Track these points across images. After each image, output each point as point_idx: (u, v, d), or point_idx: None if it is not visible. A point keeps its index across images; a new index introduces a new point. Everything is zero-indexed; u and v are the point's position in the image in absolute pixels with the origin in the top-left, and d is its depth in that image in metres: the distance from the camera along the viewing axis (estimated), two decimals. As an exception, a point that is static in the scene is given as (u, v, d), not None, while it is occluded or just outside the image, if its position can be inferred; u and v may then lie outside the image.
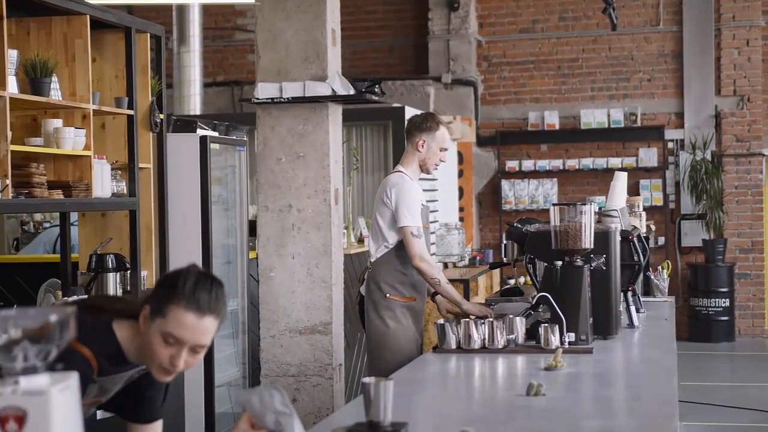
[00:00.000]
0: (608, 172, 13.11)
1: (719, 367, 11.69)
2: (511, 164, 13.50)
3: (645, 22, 13.39)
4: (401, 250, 5.39)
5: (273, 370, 6.00)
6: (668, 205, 13.23)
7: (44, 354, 1.82)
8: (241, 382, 7.22)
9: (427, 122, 5.56)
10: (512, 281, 12.76)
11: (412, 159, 5.56)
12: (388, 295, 5.43)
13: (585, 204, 4.59)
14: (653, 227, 11.09)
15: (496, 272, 11.69)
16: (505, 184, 13.48)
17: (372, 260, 5.54)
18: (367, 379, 2.80)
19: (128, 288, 5.86)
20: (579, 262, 4.57)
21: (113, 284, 5.66)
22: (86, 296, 5.09)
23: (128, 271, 5.83)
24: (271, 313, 5.99)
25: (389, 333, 5.39)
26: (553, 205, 4.62)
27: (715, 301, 12.78)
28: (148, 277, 6.13)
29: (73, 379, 1.84)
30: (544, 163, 13.41)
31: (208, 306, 2.68)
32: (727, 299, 12.81)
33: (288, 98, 6.08)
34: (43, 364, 1.82)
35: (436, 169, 5.67)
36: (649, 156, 13.19)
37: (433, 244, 10.39)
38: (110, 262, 5.65)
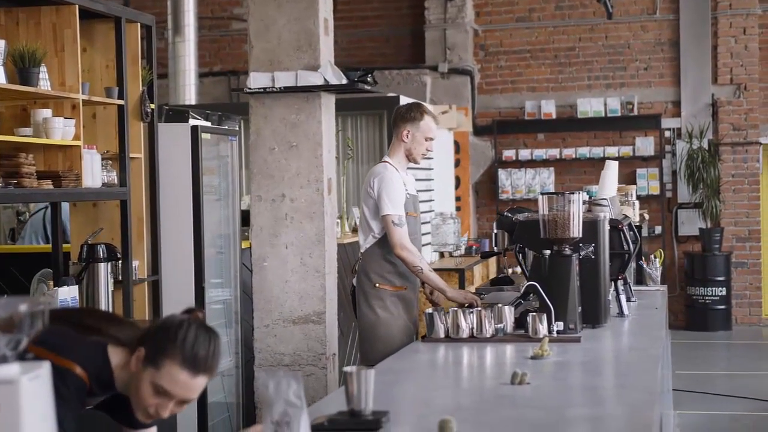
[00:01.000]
0: (605, 162, 13.07)
1: (716, 356, 11.71)
2: (508, 153, 13.50)
3: (642, 10, 13.37)
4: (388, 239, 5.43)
5: (266, 359, 6.00)
6: (665, 194, 13.22)
7: (14, 343, 1.82)
8: (234, 372, 7.22)
9: (411, 112, 5.57)
10: (509, 270, 12.79)
11: (398, 149, 5.59)
12: (377, 284, 5.47)
13: (573, 193, 4.59)
14: (647, 216, 11.07)
15: (493, 262, 11.69)
16: (502, 174, 13.48)
17: (361, 251, 5.58)
18: (348, 369, 2.82)
19: (120, 278, 5.86)
20: (567, 251, 4.58)
21: (104, 274, 5.66)
22: (81, 308, 5.01)
23: (119, 261, 5.83)
24: (264, 303, 5.99)
25: (379, 322, 5.42)
26: (542, 194, 4.63)
27: (712, 290, 12.79)
28: (140, 267, 6.14)
29: (44, 368, 1.84)
30: (540, 153, 13.41)
31: (204, 365, 2.69)
32: (724, 288, 12.81)
33: (280, 88, 6.08)
34: (13, 353, 1.82)
35: (424, 158, 5.69)
36: (645, 145, 13.18)
37: (428, 233, 10.40)
38: (101, 252, 5.65)
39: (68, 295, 5.13)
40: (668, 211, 13.27)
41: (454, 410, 2.96)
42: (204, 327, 2.75)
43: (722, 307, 12.84)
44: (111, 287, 5.74)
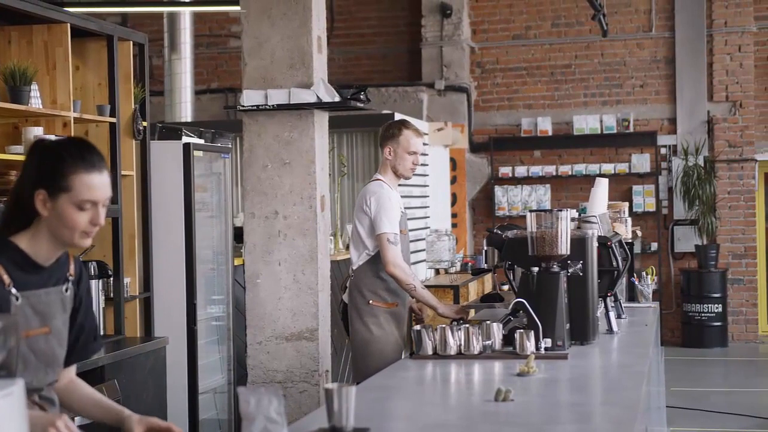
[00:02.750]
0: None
1: (712, 373, 11.70)
2: (504, 170, 13.52)
3: (637, 28, 13.41)
4: None
5: (259, 376, 6.01)
6: (661, 211, 13.24)
7: (-13, 361, 1.83)
8: (226, 389, 7.23)
9: (389, 129, 5.71)
10: (506, 287, 12.78)
11: (386, 167, 5.70)
12: (371, 301, 5.52)
13: (561, 210, 4.60)
14: (639, 233, 11.10)
15: (488, 278, 11.70)
16: (498, 191, 13.50)
17: (353, 267, 5.63)
18: (329, 386, 2.83)
19: (111, 295, 5.87)
20: (555, 268, 4.59)
21: (96, 291, 5.67)
22: None
23: (111, 278, 5.84)
24: (257, 320, 6.00)
25: (373, 339, 5.45)
26: (530, 211, 4.64)
27: (708, 307, 12.79)
28: (131, 284, 6.15)
29: (17, 385, 1.86)
30: (537, 169, 13.43)
31: (101, 163, 2.82)
32: (720, 305, 12.82)
33: (273, 105, 6.10)
34: (-15, 370, 1.83)
35: (413, 171, 5.73)
36: (641, 162, 13.20)
37: (422, 250, 10.41)
38: (93, 269, 5.66)
39: None
40: (664, 227, 13.28)
41: (437, 427, 2.97)
42: (71, 138, 2.90)
43: (718, 323, 12.84)
44: (102, 304, 5.75)
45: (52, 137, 2.94)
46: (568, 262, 4.66)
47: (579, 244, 4.73)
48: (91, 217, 2.79)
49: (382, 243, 5.44)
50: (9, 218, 2.85)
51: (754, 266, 13.22)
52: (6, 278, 2.76)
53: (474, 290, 10.38)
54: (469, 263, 11.22)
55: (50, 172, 2.77)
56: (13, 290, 2.76)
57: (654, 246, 13.09)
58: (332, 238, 8.58)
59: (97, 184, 2.79)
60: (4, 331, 1.82)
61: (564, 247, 4.57)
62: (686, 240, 13.14)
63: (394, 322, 5.53)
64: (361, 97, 6.47)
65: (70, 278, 2.94)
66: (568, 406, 3.58)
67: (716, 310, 12.79)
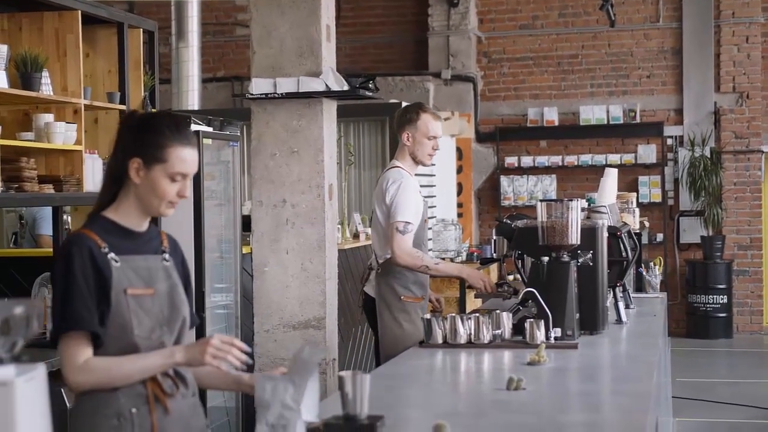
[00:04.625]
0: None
1: (717, 364, 11.71)
2: (510, 160, 13.52)
3: (645, 18, 13.39)
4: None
5: (266, 364, 6.02)
6: (667, 202, 13.24)
7: (9, 345, 1.84)
8: (234, 377, 7.23)
9: (407, 114, 5.53)
10: (510, 277, 12.78)
11: (404, 153, 5.54)
12: (402, 297, 5.40)
13: (572, 200, 4.60)
14: (647, 224, 11.09)
15: (495, 268, 11.69)
16: (504, 180, 13.49)
17: (380, 261, 5.48)
18: (343, 373, 2.83)
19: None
20: (565, 258, 4.58)
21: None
22: None
23: (120, 265, 5.84)
24: (264, 308, 6.00)
25: (404, 335, 5.33)
26: (540, 201, 4.64)
27: (713, 298, 12.79)
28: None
29: (39, 370, 1.87)
30: (543, 160, 13.43)
31: (194, 138, 3.00)
32: (725, 296, 12.82)
33: (282, 94, 6.10)
34: (8, 355, 1.84)
35: (431, 158, 5.59)
36: (648, 152, 13.19)
37: (430, 239, 10.40)
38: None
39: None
40: (670, 218, 13.28)
41: (450, 415, 2.98)
42: (168, 113, 3.14)
43: (723, 315, 12.84)
44: (112, 291, 5.75)
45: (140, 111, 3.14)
46: (578, 251, 4.65)
47: (589, 233, 4.72)
48: (179, 189, 2.96)
49: (390, 231, 5.35)
50: (102, 193, 3.03)
51: (760, 257, 13.22)
52: (101, 243, 2.92)
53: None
54: (475, 253, 11.21)
55: (148, 142, 2.93)
56: (111, 254, 2.92)
57: (660, 237, 13.09)
58: (339, 227, 8.58)
59: (190, 158, 2.95)
60: (27, 317, 1.83)
61: (574, 237, 4.56)
62: (692, 231, 13.14)
63: (422, 315, 5.41)
64: (370, 86, 6.47)
65: (166, 249, 3.09)
66: (580, 395, 3.59)
67: (721, 301, 12.80)
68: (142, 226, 3.03)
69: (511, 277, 12.07)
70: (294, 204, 6.15)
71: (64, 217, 6.28)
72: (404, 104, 10.51)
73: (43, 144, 5.23)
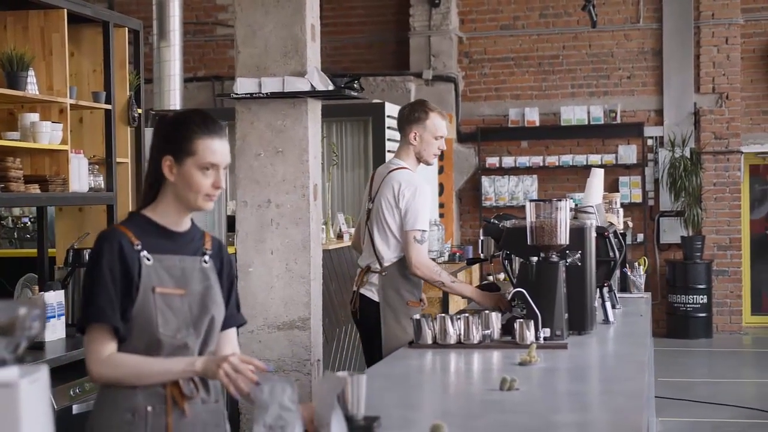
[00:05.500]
0: (588, 169, 12.98)
1: (697, 363, 11.76)
2: (492, 161, 13.54)
3: (625, 19, 13.44)
4: None
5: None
6: (647, 202, 13.29)
7: (13, 346, 1.82)
8: (218, 377, 7.20)
9: (415, 112, 5.37)
10: (491, 277, 12.79)
11: (408, 152, 5.41)
12: (409, 302, 5.29)
13: (561, 200, 4.60)
14: (630, 224, 11.13)
15: (476, 268, 11.71)
16: (485, 181, 13.51)
17: (385, 263, 5.34)
18: (340, 374, 2.82)
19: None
20: (554, 258, 4.59)
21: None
22: None
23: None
24: (249, 309, 5.97)
25: (407, 339, 5.22)
26: (530, 201, 4.64)
27: (693, 298, 12.85)
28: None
29: (42, 372, 1.85)
30: (524, 160, 13.45)
31: (222, 130, 3.07)
32: (705, 296, 12.88)
33: (267, 93, 6.08)
34: (12, 356, 1.82)
35: (436, 157, 5.49)
36: (628, 153, 13.24)
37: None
38: (87, 256, 5.62)
39: (54, 299, 5.10)
40: (650, 219, 13.33)
41: (444, 416, 2.97)
42: (195, 110, 3.15)
43: (703, 314, 12.90)
44: (97, 292, 5.71)
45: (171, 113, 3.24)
46: (567, 252, 4.66)
47: (578, 233, 4.73)
48: (213, 180, 3.00)
49: (407, 240, 5.15)
50: (142, 196, 3.09)
51: (739, 258, 13.29)
52: (135, 240, 2.96)
53: (464, 280, 10.38)
54: (457, 253, 11.22)
55: (177, 138, 2.99)
56: (144, 252, 2.96)
57: (640, 237, 13.14)
58: (323, 227, 8.57)
59: (218, 148, 3.01)
60: (30, 317, 1.81)
61: (563, 237, 4.57)
62: (672, 231, 13.19)
63: None
64: (355, 85, 6.46)
65: (208, 251, 3.10)
66: (574, 395, 3.59)
67: (701, 301, 12.86)
68: (182, 225, 3.07)
69: (491, 277, 12.08)
70: (279, 204, 6.13)
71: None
72: (387, 104, 10.55)
73: (29, 144, 5.19)
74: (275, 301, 5.97)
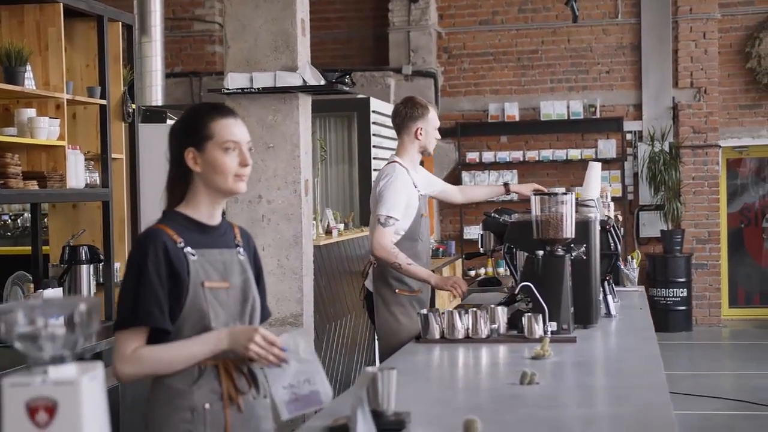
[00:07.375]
0: (568, 164, 13.20)
1: (677, 356, 11.80)
2: (472, 156, 13.54)
3: (604, 14, 13.48)
4: (406, 242, 5.35)
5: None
6: (627, 196, 13.34)
7: (72, 343, 1.79)
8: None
9: (416, 109, 5.51)
10: (472, 273, 12.82)
11: (411, 148, 5.52)
12: (397, 290, 5.39)
13: (566, 194, 4.60)
14: (620, 217, 11.17)
15: (458, 263, 11.73)
16: (465, 176, 13.51)
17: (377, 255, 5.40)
18: (371, 369, 2.79)
19: (101, 280, 5.78)
20: (560, 252, 4.58)
21: (86, 276, 5.58)
22: None
23: (102, 263, 5.75)
24: (242, 305, 5.94)
25: (401, 329, 5.31)
26: (535, 194, 4.63)
27: (673, 291, 12.92)
28: (122, 268, 6.06)
29: (99, 368, 1.82)
30: (504, 155, 13.46)
31: (234, 112, 3.07)
32: (685, 289, 12.95)
33: (258, 88, 6.04)
34: (71, 353, 1.79)
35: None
36: (608, 147, 13.28)
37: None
38: (83, 253, 5.58)
39: (53, 297, 5.05)
40: (630, 213, 13.38)
41: (472, 410, 2.95)
42: (203, 103, 3.27)
43: (683, 308, 12.98)
44: (93, 289, 5.67)
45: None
46: (572, 245, 4.65)
47: (582, 227, 4.73)
48: (239, 160, 2.99)
49: (372, 222, 5.34)
50: (169, 193, 3.06)
51: (718, 251, 13.37)
52: (178, 238, 2.95)
53: (447, 275, 10.38)
54: (440, 248, 11.23)
55: (193, 128, 3.00)
56: (187, 248, 2.95)
57: (621, 231, 13.16)
58: (313, 223, 8.54)
59: (234, 127, 3.01)
60: (88, 313, 1.78)
61: (569, 231, 4.56)
62: (651, 225, 13.25)
63: (419, 308, 5.39)
64: (346, 80, 6.44)
65: (240, 244, 3.11)
66: (593, 388, 3.59)
67: (681, 295, 12.93)
68: (214, 219, 3.06)
69: (473, 273, 12.09)
70: (270, 200, 6.11)
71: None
72: (372, 99, 10.52)
73: (26, 139, 5.12)
74: (267, 298, 5.93)
